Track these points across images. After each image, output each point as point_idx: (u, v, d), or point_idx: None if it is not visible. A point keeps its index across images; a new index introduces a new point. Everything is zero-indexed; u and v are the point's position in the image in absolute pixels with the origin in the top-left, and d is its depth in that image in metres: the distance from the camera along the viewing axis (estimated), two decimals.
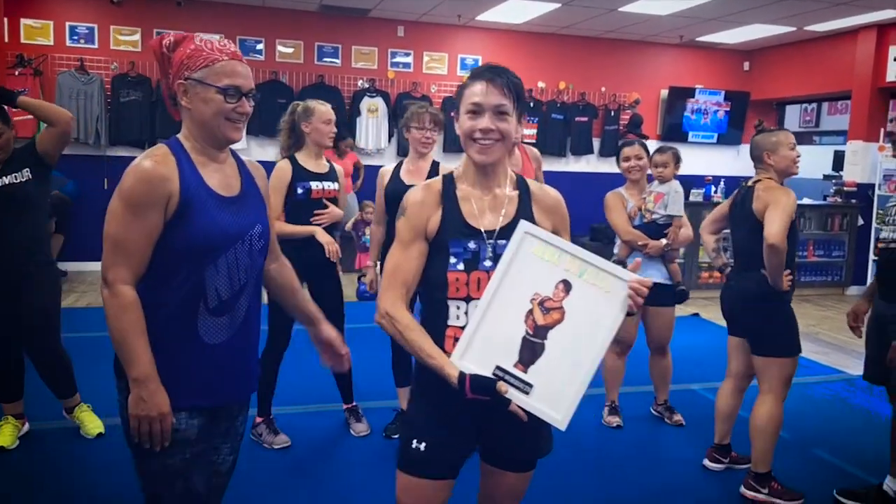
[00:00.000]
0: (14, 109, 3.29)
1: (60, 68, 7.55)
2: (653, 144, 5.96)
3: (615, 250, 3.93)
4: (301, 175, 3.39)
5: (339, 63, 8.46)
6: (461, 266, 1.69)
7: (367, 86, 8.44)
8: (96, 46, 7.74)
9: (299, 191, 3.37)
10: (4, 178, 3.13)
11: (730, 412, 3.36)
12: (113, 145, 7.77)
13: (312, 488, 3.12)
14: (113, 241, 1.62)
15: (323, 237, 3.38)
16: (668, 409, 4.03)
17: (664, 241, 3.76)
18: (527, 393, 1.62)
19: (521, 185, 1.80)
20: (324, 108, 3.41)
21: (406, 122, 3.46)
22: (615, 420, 3.93)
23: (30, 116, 3.73)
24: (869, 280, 7.52)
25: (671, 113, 9.42)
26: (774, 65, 9.48)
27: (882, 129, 8.10)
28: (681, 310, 4.84)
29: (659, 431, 3.93)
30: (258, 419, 3.51)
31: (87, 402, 3.56)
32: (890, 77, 7.82)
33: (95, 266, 1.84)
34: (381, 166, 3.70)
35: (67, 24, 7.66)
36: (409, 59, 8.68)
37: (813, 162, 10.07)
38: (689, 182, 7.24)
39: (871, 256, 7.98)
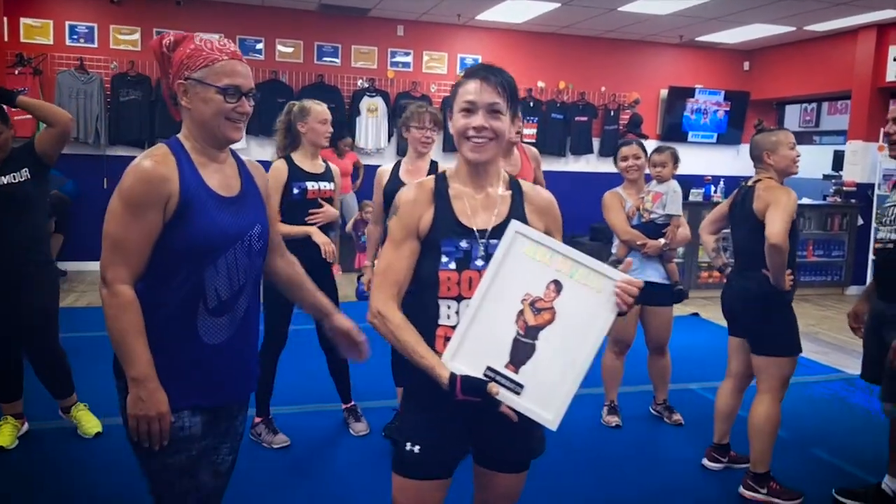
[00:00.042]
0: (13, 109, 3.29)
1: (60, 67, 7.55)
2: (652, 144, 5.97)
3: (613, 250, 3.93)
4: (297, 175, 3.39)
5: (339, 63, 8.46)
6: (453, 265, 1.68)
7: (366, 85, 8.44)
8: (96, 46, 7.74)
9: (295, 191, 3.37)
10: (3, 177, 3.13)
11: (729, 412, 3.36)
12: (112, 145, 7.78)
13: (312, 488, 3.12)
14: (112, 240, 1.62)
15: (319, 237, 3.37)
16: (668, 409, 4.03)
17: (662, 240, 3.76)
18: (518, 394, 1.61)
19: (513, 185, 1.80)
20: (320, 108, 3.41)
21: (405, 121, 3.46)
22: (614, 420, 3.93)
23: (29, 116, 3.73)
24: (868, 280, 7.53)
25: (671, 113, 9.42)
26: (774, 64, 9.48)
27: (882, 129, 8.09)
28: (680, 309, 4.84)
29: (658, 431, 3.93)
30: (257, 419, 3.51)
31: (86, 402, 3.56)
32: (890, 77, 7.82)
33: (95, 266, 1.83)
34: (380, 166, 3.69)
35: (67, 23, 7.66)
36: (409, 59, 8.68)
37: (813, 162, 10.07)
38: (688, 182, 7.25)
39: (871, 256, 7.96)
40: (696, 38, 9.12)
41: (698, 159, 9.20)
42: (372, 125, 8.42)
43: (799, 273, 3.23)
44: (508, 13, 8.02)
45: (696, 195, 7.69)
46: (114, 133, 7.74)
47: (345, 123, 8.14)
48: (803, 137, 12.42)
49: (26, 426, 3.48)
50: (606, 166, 9.00)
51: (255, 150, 7.88)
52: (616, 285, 1.61)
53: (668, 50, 9.52)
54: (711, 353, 5.28)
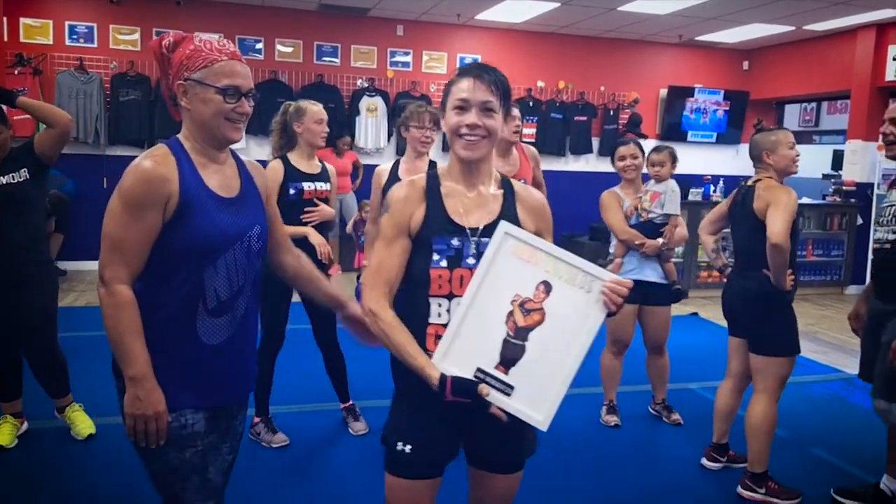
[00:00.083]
0: (13, 109, 3.29)
1: (60, 67, 7.55)
2: (652, 144, 5.97)
3: (611, 249, 3.93)
4: (293, 175, 3.38)
5: (339, 62, 8.45)
6: (444, 263, 1.68)
7: (366, 85, 8.43)
8: (96, 46, 7.74)
9: (291, 191, 3.36)
10: (2, 178, 3.13)
11: (728, 412, 3.36)
12: (112, 144, 7.78)
13: (311, 487, 3.12)
14: (111, 240, 1.62)
15: (315, 238, 3.37)
16: (666, 408, 4.03)
17: (661, 240, 3.76)
18: (508, 395, 1.61)
19: (505, 184, 1.81)
20: (315, 108, 3.40)
21: (405, 121, 3.45)
22: (613, 419, 3.93)
23: (29, 116, 3.72)
24: (868, 279, 7.54)
25: (670, 112, 9.42)
26: (774, 64, 9.48)
27: (880, 129, 8.10)
28: (679, 309, 4.84)
29: (657, 430, 3.93)
30: (256, 419, 3.52)
31: (84, 401, 3.56)
32: (889, 76, 7.83)
33: (94, 265, 1.83)
34: (379, 165, 3.69)
35: (67, 23, 7.66)
36: (409, 59, 8.68)
37: (812, 161, 10.09)
38: (688, 181, 7.26)
39: (870, 256, 7.98)
40: (696, 38, 9.13)
41: (697, 159, 9.21)
42: (371, 125, 8.42)
43: (798, 273, 3.23)
44: (508, 13, 8.02)
45: (695, 195, 7.70)
46: (113, 133, 7.74)
47: (344, 123, 8.14)
48: (803, 137, 12.43)
49: (26, 425, 3.48)
50: (606, 166, 8.97)
51: (254, 150, 7.88)
52: (605, 286, 1.61)
53: (668, 49, 9.53)
54: (711, 352, 5.28)
